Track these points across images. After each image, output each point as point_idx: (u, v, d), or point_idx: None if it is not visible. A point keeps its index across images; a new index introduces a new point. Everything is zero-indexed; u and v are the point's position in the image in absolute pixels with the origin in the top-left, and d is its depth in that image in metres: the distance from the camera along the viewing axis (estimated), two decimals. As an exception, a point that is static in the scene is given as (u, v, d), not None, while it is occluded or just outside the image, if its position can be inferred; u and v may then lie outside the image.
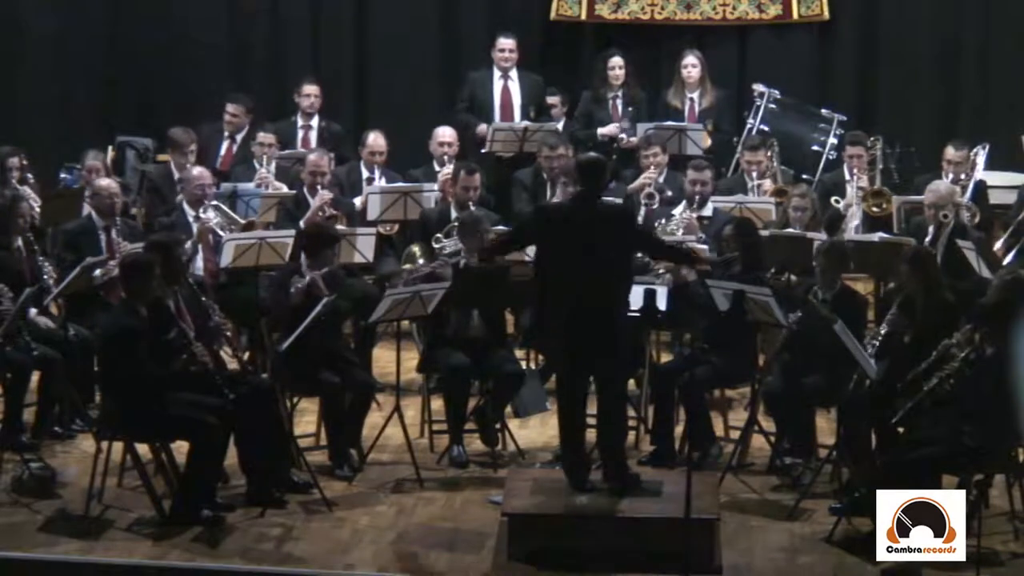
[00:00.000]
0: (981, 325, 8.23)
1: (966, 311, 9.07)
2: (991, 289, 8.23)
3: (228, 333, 9.07)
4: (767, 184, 11.55)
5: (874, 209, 11.30)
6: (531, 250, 10.32)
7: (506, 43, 12.73)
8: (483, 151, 12.32)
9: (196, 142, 11.74)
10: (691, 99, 12.68)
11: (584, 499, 8.24)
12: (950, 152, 11.38)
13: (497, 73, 12.77)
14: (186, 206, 10.68)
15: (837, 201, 11.29)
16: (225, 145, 12.55)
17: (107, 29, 14.28)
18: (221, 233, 10.34)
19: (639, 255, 9.32)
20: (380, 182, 11.66)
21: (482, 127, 12.41)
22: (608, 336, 8.30)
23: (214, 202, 10.65)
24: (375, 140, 11.83)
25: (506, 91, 12.75)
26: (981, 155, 11.64)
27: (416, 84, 13.91)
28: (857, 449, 8.63)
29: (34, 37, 14.14)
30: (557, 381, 8.78)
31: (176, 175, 11.55)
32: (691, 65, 12.66)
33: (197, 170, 10.87)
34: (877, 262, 10.18)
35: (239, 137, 12.48)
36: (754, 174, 11.54)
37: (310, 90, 12.66)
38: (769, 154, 11.80)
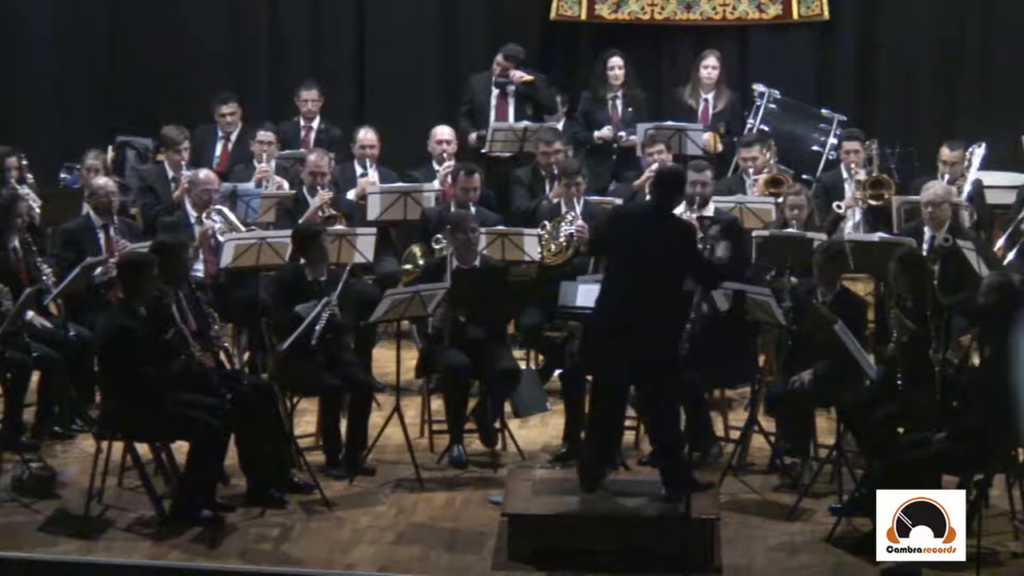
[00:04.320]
0: (977, 327, 8.25)
1: (965, 313, 9.11)
2: (982, 293, 8.22)
3: (226, 344, 9.06)
4: (762, 178, 11.52)
5: (872, 201, 11.28)
6: (533, 251, 10.41)
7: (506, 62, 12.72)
8: (482, 151, 12.34)
9: (189, 139, 11.75)
10: (705, 100, 12.69)
11: (584, 499, 8.25)
12: (945, 153, 11.37)
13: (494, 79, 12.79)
14: (189, 208, 10.69)
15: (839, 206, 11.27)
16: (220, 146, 12.57)
17: (107, 29, 14.28)
18: (221, 239, 10.34)
19: None
20: (373, 176, 11.69)
21: (472, 136, 12.39)
22: (659, 344, 8.30)
23: (218, 207, 10.65)
24: (365, 135, 11.91)
25: (502, 95, 12.75)
26: (978, 153, 11.61)
27: (415, 84, 13.90)
28: (872, 445, 8.61)
29: (34, 37, 14.14)
30: (595, 380, 8.75)
31: (171, 173, 11.57)
32: (711, 66, 12.67)
33: (204, 173, 10.86)
34: (877, 262, 10.17)
35: (233, 137, 12.50)
36: (751, 171, 11.55)
37: (308, 95, 12.72)
38: (767, 153, 11.79)
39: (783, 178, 11.32)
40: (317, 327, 8.97)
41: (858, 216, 11.32)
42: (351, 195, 11.48)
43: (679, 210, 10.70)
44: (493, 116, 12.63)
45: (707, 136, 12.29)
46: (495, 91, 12.72)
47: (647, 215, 8.68)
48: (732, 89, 12.84)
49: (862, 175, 11.48)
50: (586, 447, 8.67)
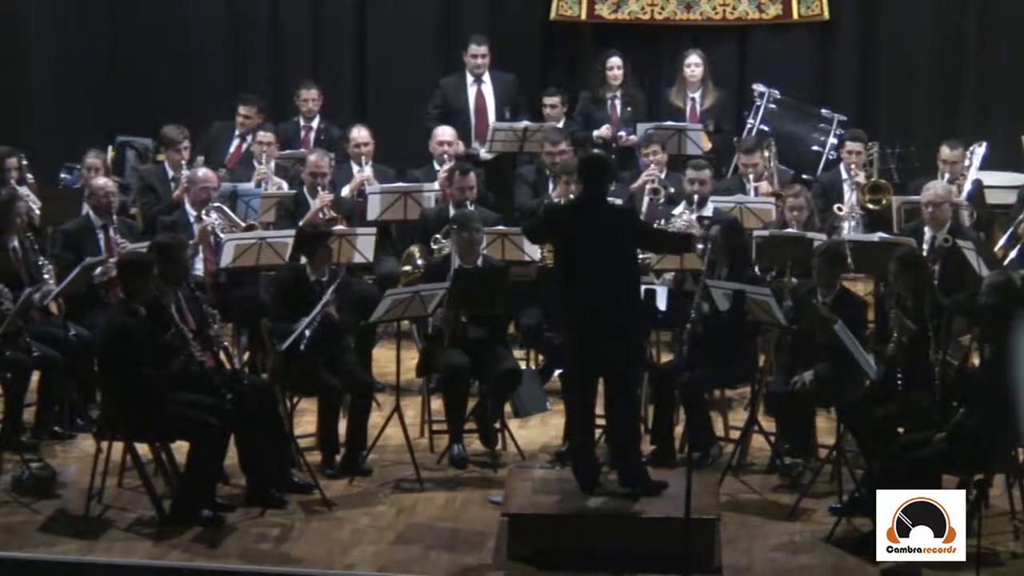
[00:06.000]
0: (977, 327, 8.25)
1: (965, 312, 9.11)
2: (983, 292, 8.23)
3: (226, 344, 9.06)
4: (763, 186, 11.52)
5: (870, 205, 11.27)
6: (533, 251, 10.41)
7: (478, 50, 12.73)
8: (483, 152, 12.35)
9: (189, 139, 11.75)
10: (692, 99, 12.69)
11: (584, 499, 8.24)
12: (945, 152, 11.38)
13: (470, 78, 12.78)
14: (188, 206, 10.69)
15: (840, 208, 11.26)
16: (235, 144, 12.59)
17: (107, 29, 14.28)
18: (221, 235, 10.35)
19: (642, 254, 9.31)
20: (368, 171, 11.70)
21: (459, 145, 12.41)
22: (619, 337, 8.30)
23: (216, 204, 10.65)
24: (358, 133, 11.91)
25: (480, 95, 12.76)
26: (978, 152, 11.61)
27: (415, 84, 13.89)
28: (872, 445, 8.61)
29: (34, 37, 14.14)
30: (566, 381, 8.78)
31: (171, 173, 11.57)
32: (694, 64, 12.68)
33: (203, 172, 10.87)
34: (877, 262, 10.17)
35: (250, 138, 12.50)
36: (751, 176, 11.54)
37: (308, 95, 12.74)
38: (767, 154, 11.79)
39: (784, 194, 11.28)
40: (308, 332, 8.96)
41: (857, 217, 11.31)
42: (346, 191, 11.50)
43: (679, 210, 10.78)
44: (474, 118, 12.62)
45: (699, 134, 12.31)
46: (472, 89, 12.73)
47: (581, 209, 8.62)
48: (719, 87, 12.83)
49: (861, 177, 11.48)
50: (575, 448, 8.66)
